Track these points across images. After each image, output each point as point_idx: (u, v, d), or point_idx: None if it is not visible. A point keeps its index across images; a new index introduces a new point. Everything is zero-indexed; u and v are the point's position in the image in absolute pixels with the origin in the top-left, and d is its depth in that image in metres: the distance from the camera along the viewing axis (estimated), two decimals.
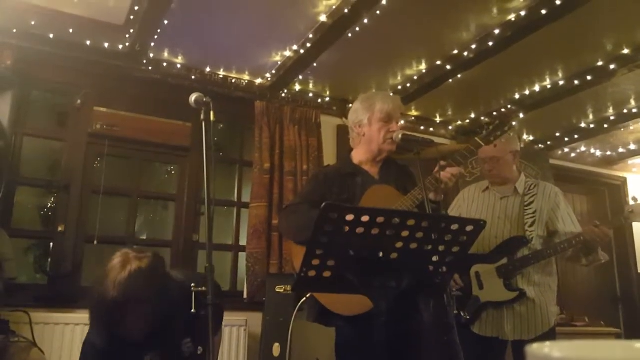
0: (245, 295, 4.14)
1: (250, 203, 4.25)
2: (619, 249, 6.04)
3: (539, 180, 3.25)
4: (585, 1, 3.14)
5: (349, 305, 2.22)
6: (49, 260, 3.72)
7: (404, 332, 2.20)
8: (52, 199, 4.23)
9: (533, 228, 2.90)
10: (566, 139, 5.45)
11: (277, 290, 3.63)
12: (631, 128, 5.09)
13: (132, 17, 3.54)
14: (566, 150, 5.82)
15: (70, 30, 3.66)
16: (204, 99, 1.91)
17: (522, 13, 3.35)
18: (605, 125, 5.01)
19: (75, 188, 3.77)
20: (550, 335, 2.86)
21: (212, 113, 1.89)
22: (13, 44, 3.60)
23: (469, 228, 1.71)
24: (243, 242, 4.34)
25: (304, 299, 3.21)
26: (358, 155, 2.62)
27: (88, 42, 3.82)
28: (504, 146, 3.00)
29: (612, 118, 4.91)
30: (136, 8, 3.42)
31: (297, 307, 3.28)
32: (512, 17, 3.42)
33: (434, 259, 1.76)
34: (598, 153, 5.96)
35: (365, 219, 1.59)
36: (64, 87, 3.99)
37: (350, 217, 1.58)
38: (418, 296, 2.27)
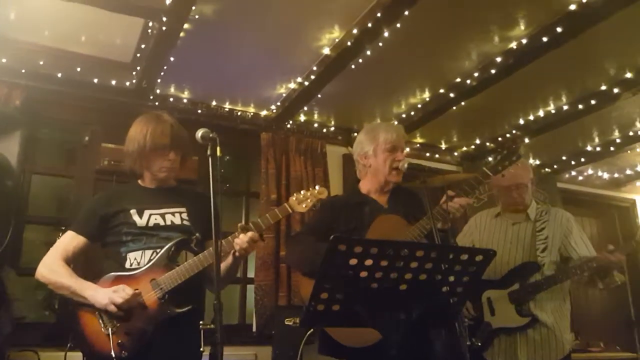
0: (254, 329, 4.09)
1: None
2: (631, 272, 5.94)
3: (550, 207, 3.23)
4: (586, 28, 3.17)
5: (359, 336, 2.19)
6: (57, 297, 3.70)
7: None
8: (60, 234, 4.23)
9: (545, 254, 2.88)
10: (573, 162, 5.43)
11: (287, 322, 3.59)
12: (638, 150, 5.08)
13: (138, 55, 3.60)
14: (573, 173, 5.81)
15: (78, 69, 3.73)
16: (210, 135, 1.93)
17: (524, 41, 3.38)
18: (612, 148, 5.01)
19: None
20: None
21: (218, 148, 1.90)
22: (22, 84, 3.66)
23: (479, 258, 1.70)
24: (251, 274, 4.31)
25: (311, 330, 3.18)
26: (365, 186, 2.62)
27: (95, 80, 3.89)
28: (526, 173, 3.02)
29: (618, 141, 4.91)
30: (143, 46, 3.48)
31: (304, 339, 3.25)
32: (513, 45, 3.45)
33: (444, 289, 1.74)
34: (606, 175, 5.93)
35: (374, 250, 1.58)
36: (72, 124, 4.05)
37: (358, 249, 1.57)
38: (429, 327, 2.23)
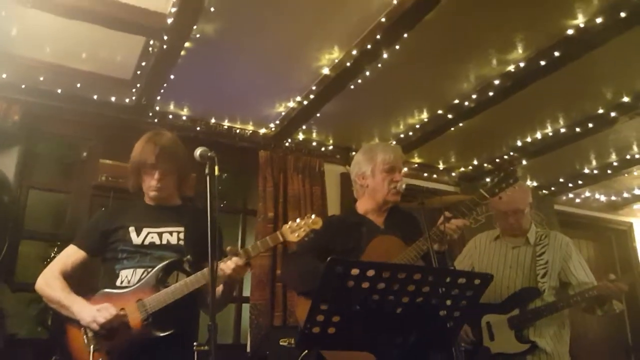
0: (248, 349, 4.05)
1: None
2: (629, 298, 5.92)
3: (549, 230, 3.23)
4: (583, 52, 3.20)
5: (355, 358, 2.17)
6: (51, 313, 3.66)
7: None
8: (56, 249, 4.21)
9: (545, 279, 2.87)
10: (570, 185, 5.45)
11: (282, 343, 3.55)
12: (635, 173, 5.10)
13: (139, 72, 3.62)
14: (571, 195, 5.82)
15: (78, 85, 3.74)
16: (209, 154, 1.93)
17: (522, 64, 3.41)
18: (609, 171, 5.03)
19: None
20: None
21: (216, 167, 1.90)
22: (21, 99, 3.67)
23: (476, 282, 1.69)
24: (247, 292, 4.28)
25: (305, 352, 3.14)
26: (363, 206, 2.62)
27: (95, 96, 3.90)
28: (525, 198, 3.01)
29: (615, 164, 4.93)
30: (143, 64, 3.50)
31: None
32: (511, 68, 3.48)
33: (441, 313, 1.72)
34: (603, 198, 5.95)
35: (370, 273, 1.57)
36: (71, 140, 4.05)
37: (355, 272, 1.56)
38: (425, 351, 2.21)
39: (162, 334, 2.06)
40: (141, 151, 2.28)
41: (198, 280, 2.09)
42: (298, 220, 2.22)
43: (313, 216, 2.24)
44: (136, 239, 2.22)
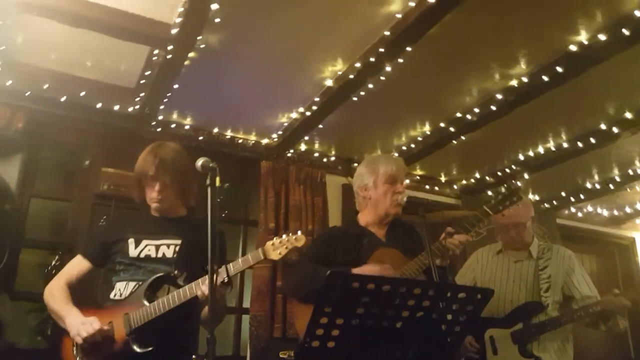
0: None
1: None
2: (632, 313, 5.86)
3: (552, 244, 3.22)
4: (586, 68, 3.21)
5: None
6: (51, 323, 3.65)
7: None
8: (57, 257, 4.20)
9: (548, 294, 2.86)
10: (572, 199, 5.44)
11: (281, 355, 3.54)
12: (637, 188, 5.10)
13: (143, 82, 3.63)
14: (573, 209, 5.81)
15: (82, 93, 3.75)
16: (210, 165, 1.93)
17: (524, 79, 3.42)
18: (611, 186, 5.02)
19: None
20: None
21: (217, 179, 1.90)
22: (25, 106, 3.68)
23: (477, 297, 1.68)
24: (246, 304, 4.26)
25: None
26: (364, 218, 2.62)
27: (99, 105, 3.91)
28: (527, 212, 3.01)
29: (617, 179, 4.92)
30: (147, 73, 3.52)
31: None
32: (514, 82, 3.49)
33: (442, 327, 1.72)
34: (605, 213, 5.93)
35: (371, 287, 1.57)
36: (73, 147, 4.05)
37: (355, 285, 1.56)
38: None
39: (140, 351, 2.03)
40: (142, 163, 2.29)
41: (183, 295, 2.05)
42: (284, 236, 2.13)
43: (299, 232, 2.14)
44: (133, 251, 2.22)
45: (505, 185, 4.91)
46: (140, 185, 2.31)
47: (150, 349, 2.04)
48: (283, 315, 4.07)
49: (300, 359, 2.81)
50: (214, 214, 1.84)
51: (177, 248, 2.26)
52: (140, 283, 2.15)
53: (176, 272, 2.18)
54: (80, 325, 2.04)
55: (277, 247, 2.09)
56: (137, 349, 2.04)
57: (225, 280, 1.94)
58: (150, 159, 2.28)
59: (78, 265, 2.30)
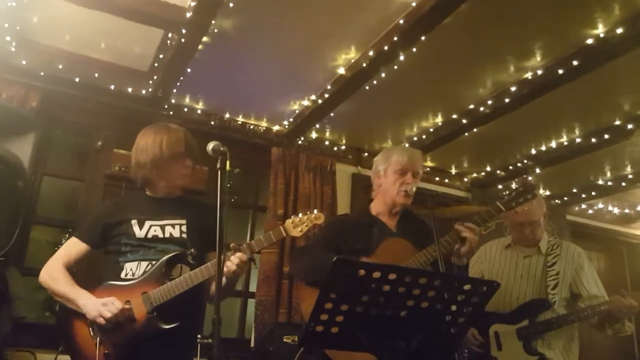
0: (252, 344, 4.06)
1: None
2: (638, 314, 5.84)
3: (561, 240, 3.19)
4: (602, 62, 3.17)
5: (357, 358, 2.17)
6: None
7: None
8: (67, 235, 4.26)
9: (556, 291, 2.84)
10: (583, 196, 5.39)
11: (285, 340, 3.56)
12: None
13: (156, 65, 3.65)
14: (583, 206, 5.76)
15: (96, 75, 3.78)
16: (221, 148, 1.94)
17: (539, 72, 3.38)
18: (623, 184, 4.97)
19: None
20: None
21: (227, 162, 1.91)
22: (40, 86, 3.71)
23: (482, 289, 1.68)
24: (253, 288, 4.30)
25: (302, 349, 3.14)
26: (376, 207, 2.62)
27: (112, 87, 3.94)
28: (540, 209, 2.99)
29: (630, 176, 4.87)
30: (161, 56, 3.53)
31: (297, 357, 3.20)
32: (528, 75, 3.45)
33: (446, 318, 1.72)
34: (616, 210, 5.88)
35: (376, 275, 1.57)
36: (86, 128, 4.09)
37: (361, 273, 1.56)
38: (428, 356, 2.21)
39: (167, 327, 2.07)
40: (167, 142, 2.26)
41: (202, 274, 2.09)
42: (300, 215, 2.22)
43: (315, 211, 2.23)
44: (139, 232, 2.23)
45: (517, 180, 4.88)
46: (160, 165, 2.26)
47: (176, 324, 2.08)
48: (289, 301, 4.10)
49: (304, 343, 2.84)
50: (223, 198, 1.86)
51: (184, 227, 2.27)
52: (153, 262, 2.17)
53: (192, 250, 2.21)
54: (100, 306, 2.05)
55: (298, 225, 2.17)
56: (163, 325, 2.07)
57: (248, 258, 2.05)
58: (176, 136, 2.28)
59: (74, 247, 2.28)
